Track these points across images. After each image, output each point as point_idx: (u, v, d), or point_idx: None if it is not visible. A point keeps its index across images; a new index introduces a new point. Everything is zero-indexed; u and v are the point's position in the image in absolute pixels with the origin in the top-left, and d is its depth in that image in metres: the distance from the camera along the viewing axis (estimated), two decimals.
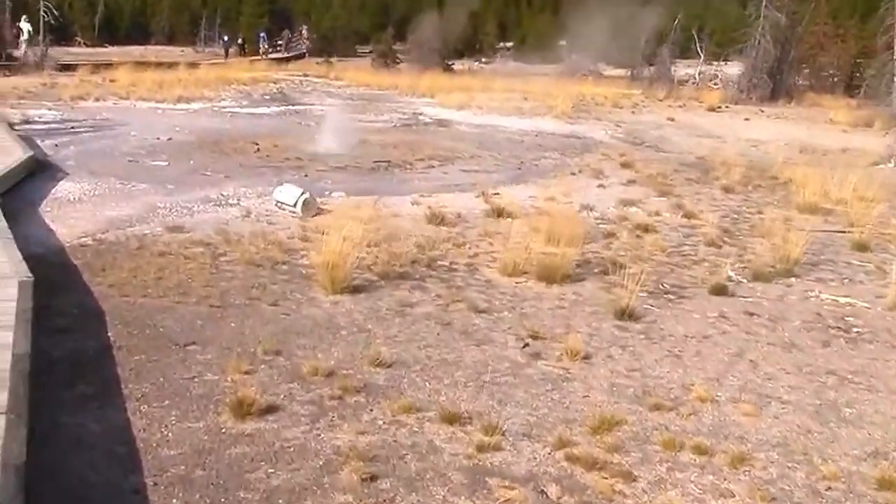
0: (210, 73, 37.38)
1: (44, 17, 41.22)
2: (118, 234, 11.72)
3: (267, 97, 31.22)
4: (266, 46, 60.64)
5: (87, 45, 64.01)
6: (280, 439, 6.13)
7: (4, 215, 11.28)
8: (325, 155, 18.34)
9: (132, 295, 9.22)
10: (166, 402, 6.60)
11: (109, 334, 7.93)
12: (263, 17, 76.10)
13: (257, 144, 19.38)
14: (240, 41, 60.55)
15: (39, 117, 22.35)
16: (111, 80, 31.95)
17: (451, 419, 6.53)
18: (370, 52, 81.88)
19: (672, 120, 29.00)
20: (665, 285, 10.60)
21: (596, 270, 10.88)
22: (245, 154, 18.21)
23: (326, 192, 14.68)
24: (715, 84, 43.84)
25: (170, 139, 19.86)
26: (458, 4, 70.74)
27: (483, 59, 73.62)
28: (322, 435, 6.23)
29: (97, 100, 26.63)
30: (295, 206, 12.95)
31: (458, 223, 12.87)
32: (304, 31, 74.81)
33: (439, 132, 23.14)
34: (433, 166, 17.80)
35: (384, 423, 6.50)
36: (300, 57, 64.18)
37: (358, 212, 13.05)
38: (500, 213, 13.33)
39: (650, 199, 14.85)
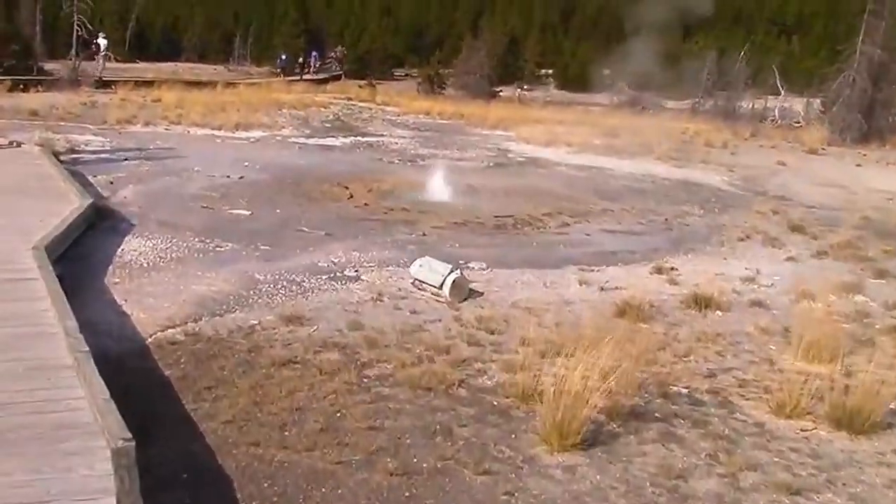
0: (255, 95, 34.45)
1: (77, 30, 38.31)
2: (217, 325, 8.62)
3: (327, 125, 28.13)
4: (307, 66, 57.60)
5: (119, 61, 61.31)
6: None
7: (62, 290, 8.09)
8: (433, 204, 15.26)
9: (264, 445, 6.16)
10: None
11: None
12: (299, 36, 73.41)
13: (347, 188, 16.30)
14: (300, 60, 57.50)
15: (86, 145, 19.28)
16: (155, 101, 28.77)
17: None
18: (406, 75, 79.24)
19: (783, 164, 25.81)
20: None
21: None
22: (338, 201, 15.08)
23: (462, 263, 11.36)
24: (797, 122, 40.36)
25: (242, 178, 16.74)
26: (497, 30, 67.82)
27: (525, 87, 70.45)
28: None
29: (146, 124, 23.57)
30: (441, 287, 9.68)
31: (656, 316, 9.50)
32: (338, 52, 71.98)
33: (543, 175, 20.02)
34: (567, 223, 14.66)
35: None
36: (337, 78, 61.35)
37: (514, 294, 10.18)
38: (701, 301, 9.91)
39: (867, 282, 11.57)
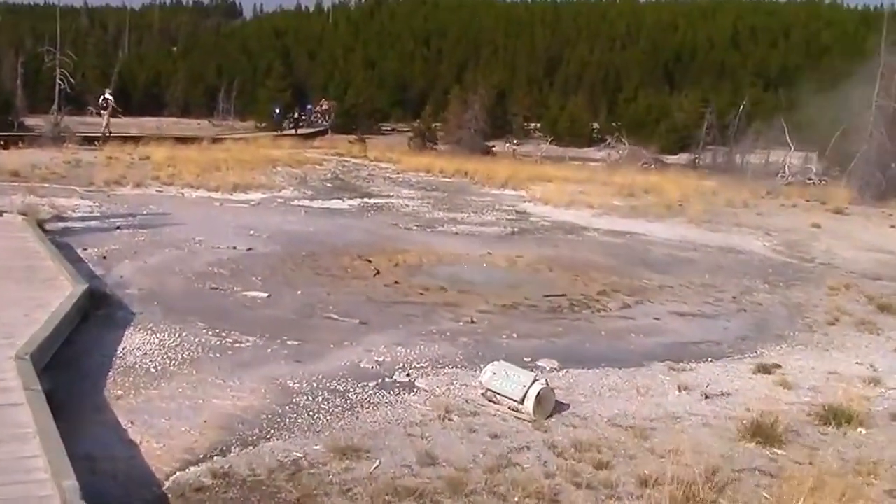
0: (245, 152, 32.73)
1: (60, 85, 36.42)
2: (253, 461, 6.78)
3: (328, 184, 26.28)
4: (301, 119, 56.01)
5: (100, 115, 59.64)
6: None
7: (53, 410, 6.40)
8: (470, 282, 13.42)
9: None
10: None
11: None
12: (285, 90, 71.92)
13: (370, 261, 14.43)
14: (295, 115, 55.82)
15: (73, 211, 17.32)
16: (143, 158, 26.78)
17: None
18: (392, 129, 77.73)
19: (817, 226, 24.03)
20: None
21: None
22: (363, 279, 13.23)
23: (528, 361, 9.46)
24: (809, 179, 38.86)
25: (250, 250, 14.88)
26: (486, 84, 66.49)
27: (514, 141, 68.99)
28: None
29: (137, 185, 21.66)
30: (523, 401, 7.64)
31: (788, 436, 7.52)
32: (323, 106, 70.43)
33: (575, 243, 18.19)
34: (628, 304, 12.83)
35: None
36: (323, 133, 59.72)
37: (606, 405, 8.59)
38: (835, 415, 7.98)
39: None
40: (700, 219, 23.22)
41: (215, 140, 38.74)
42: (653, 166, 48.77)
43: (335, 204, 22.43)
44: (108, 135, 32.87)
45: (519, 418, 8.02)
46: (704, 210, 24.30)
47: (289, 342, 9.97)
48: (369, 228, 18.41)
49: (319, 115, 66.53)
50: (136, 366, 8.78)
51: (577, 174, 35.06)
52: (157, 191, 21.70)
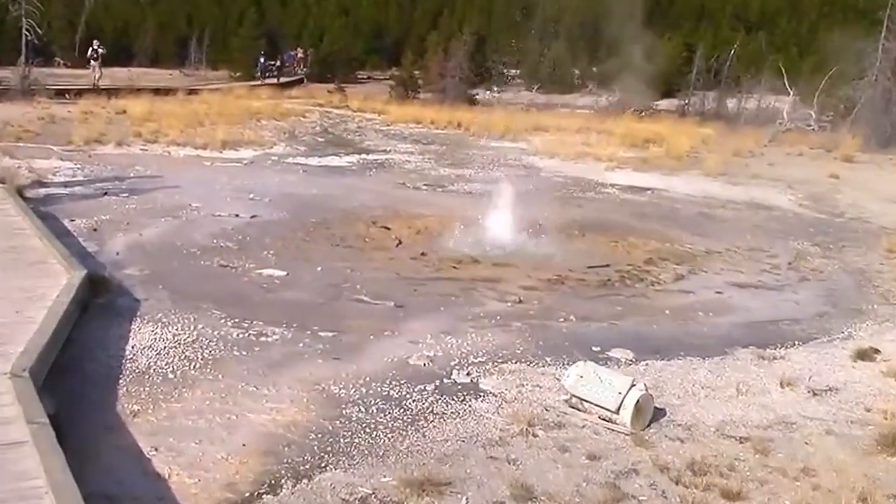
0: (224, 104, 30.87)
1: (26, 36, 34.32)
2: (311, 500, 5.27)
3: (319, 139, 24.75)
4: (284, 68, 53.98)
5: (68, 67, 57.38)
6: None
7: (57, 435, 5.37)
8: (503, 251, 11.91)
9: None
10: None
11: None
12: (259, 38, 69.30)
13: (388, 228, 12.96)
14: (277, 63, 53.67)
15: (54, 174, 15.76)
16: (119, 113, 24.93)
17: None
18: (369, 77, 75.53)
19: (835, 177, 22.75)
20: None
21: None
22: (385, 249, 11.90)
23: (596, 350, 8.24)
24: (808, 125, 37.60)
25: (254, 217, 13.48)
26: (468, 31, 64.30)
27: (495, 89, 66.99)
28: None
29: (119, 144, 20.05)
30: (618, 411, 6.32)
31: None
32: (298, 54, 68.10)
33: (599, 202, 17.04)
34: (680, 275, 11.60)
35: None
36: (300, 82, 57.62)
37: (705, 409, 7.48)
38: None
39: None
40: (716, 171, 22.02)
41: (191, 91, 36.87)
42: (643, 114, 47.26)
43: (333, 161, 20.94)
44: (99, 87, 30.95)
45: (613, 430, 6.66)
46: (718, 162, 22.92)
47: (321, 333, 8.61)
48: (376, 189, 16.97)
49: (295, 64, 64.46)
50: (151, 370, 7.39)
51: (570, 123, 33.57)
52: (141, 149, 20.12)
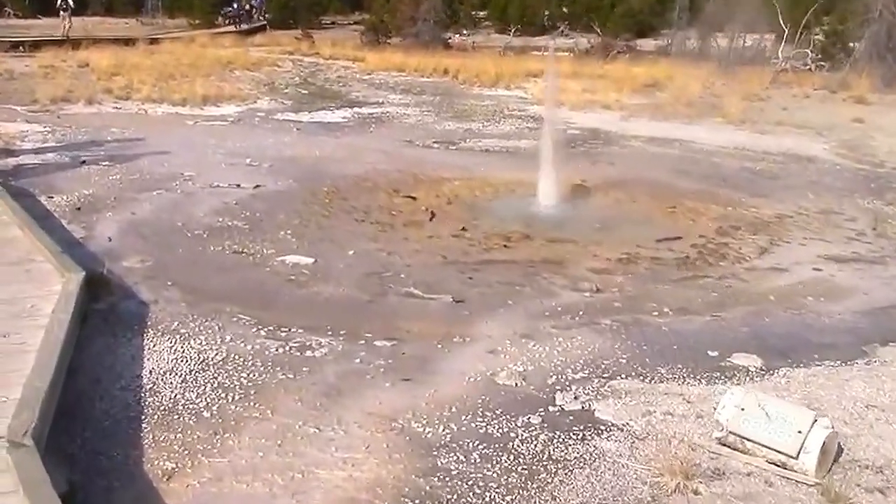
0: (189, 54, 28.89)
1: None
2: None
3: (303, 91, 22.84)
4: (253, 13, 51.50)
5: (20, 17, 54.56)
6: None
7: None
8: (551, 222, 10.63)
9: None
10: None
11: None
12: None
13: (414, 198, 11.32)
14: (247, 7, 51.14)
15: (22, 140, 13.91)
16: (82, 66, 22.79)
17: None
18: (333, 23, 72.80)
19: (860, 122, 21.35)
20: None
21: None
22: (418, 225, 10.34)
23: (714, 355, 6.61)
24: (804, 64, 36.09)
25: (258, 187, 11.70)
26: None
27: (465, 32, 64.53)
28: None
29: (89, 102, 18.03)
30: (798, 455, 4.72)
31: None
32: (253, 2, 65.17)
33: (630, 157, 15.54)
34: (764, 248, 10.45)
35: None
36: (262, 29, 55.05)
37: (886, 442, 5.90)
38: None
39: None
40: (737, 119, 20.55)
41: (152, 41, 34.70)
42: (627, 55, 45.48)
43: (326, 116, 19.11)
44: (67, 38, 28.74)
45: (788, 478, 5.05)
46: (736, 109, 21.32)
47: (377, 343, 6.93)
48: (383, 149, 15.22)
49: (255, 10, 61.72)
50: (179, 406, 5.72)
51: (559, 68, 31.66)
52: (114, 108, 18.15)
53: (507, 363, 6.77)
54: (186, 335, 6.95)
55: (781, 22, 37.64)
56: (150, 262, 8.63)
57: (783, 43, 37.45)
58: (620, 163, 14.84)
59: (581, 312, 7.88)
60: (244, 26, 49.39)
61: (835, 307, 8.38)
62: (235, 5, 48.99)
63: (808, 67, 36.22)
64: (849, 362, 7.03)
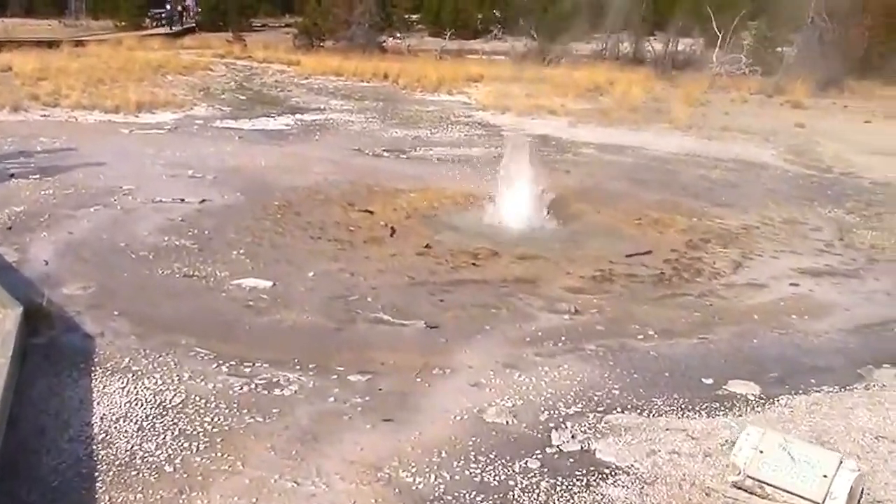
0: (117, 57, 28.06)
1: None
2: None
3: (240, 97, 22.12)
4: (185, 14, 50.32)
5: None
6: None
7: None
8: (520, 239, 9.95)
9: None
10: None
11: None
12: None
13: (371, 212, 10.79)
14: (179, 8, 49.86)
15: None
16: (5, 71, 21.72)
17: None
18: (264, 25, 71.69)
19: (802, 126, 21.43)
20: None
21: None
22: (379, 242, 9.81)
23: (707, 381, 6.24)
24: (738, 69, 36.33)
25: (204, 202, 10.93)
26: None
27: (398, 35, 63.96)
28: None
29: (14, 109, 17.10)
30: (823, 502, 4.39)
31: None
32: (187, 2, 63.87)
33: (586, 166, 15.29)
34: (738, 262, 10.27)
35: None
36: (191, 31, 53.91)
37: None
38: None
39: None
40: (683, 124, 20.42)
41: (77, 43, 33.50)
42: (563, 59, 45.39)
43: (268, 124, 18.42)
44: None
45: None
46: (681, 114, 21.23)
47: (350, 378, 6.39)
48: (331, 158, 14.64)
49: (184, 12, 60.46)
50: (137, 460, 5.16)
51: (499, 72, 31.45)
52: (42, 115, 17.20)
53: (494, 398, 6.25)
54: (139, 373, 6.30)
55: (715, 27, 37.77)
56: (92, 289, 7.91)
57: (717, 48, 37.56)
58: (577, 172, 14.44)
59: (563, 337, 7.41)
60: (176, 28, 48.24)
61: (820, 325, 8.06)
62: (169, 6, 47.74)
63: (742, 72, 36.34)
64: (847, 387, 6.69)
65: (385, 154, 15.42)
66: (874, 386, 6.70)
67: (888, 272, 9.84)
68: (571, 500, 5.08)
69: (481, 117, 20.54)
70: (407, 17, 66.77)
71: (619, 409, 6.16)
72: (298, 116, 19.53)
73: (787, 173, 15.67)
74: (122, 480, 5.00)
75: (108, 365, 6.43)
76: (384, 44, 51.41)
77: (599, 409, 6.17)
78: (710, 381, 6.68)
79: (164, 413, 5.77)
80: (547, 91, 25.48)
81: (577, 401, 6.27)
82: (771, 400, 6.40)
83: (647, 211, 11.93)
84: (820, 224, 11.86)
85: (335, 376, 6.48)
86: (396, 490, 5.08)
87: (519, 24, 54.00)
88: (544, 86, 26.82)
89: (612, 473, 5.35)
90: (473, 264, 9.25)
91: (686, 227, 11.25)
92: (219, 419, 5.74)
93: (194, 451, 5.34)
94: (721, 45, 37.56)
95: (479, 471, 5.30)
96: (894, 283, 9.46)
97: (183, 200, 11.20)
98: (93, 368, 6.34)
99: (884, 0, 35.91)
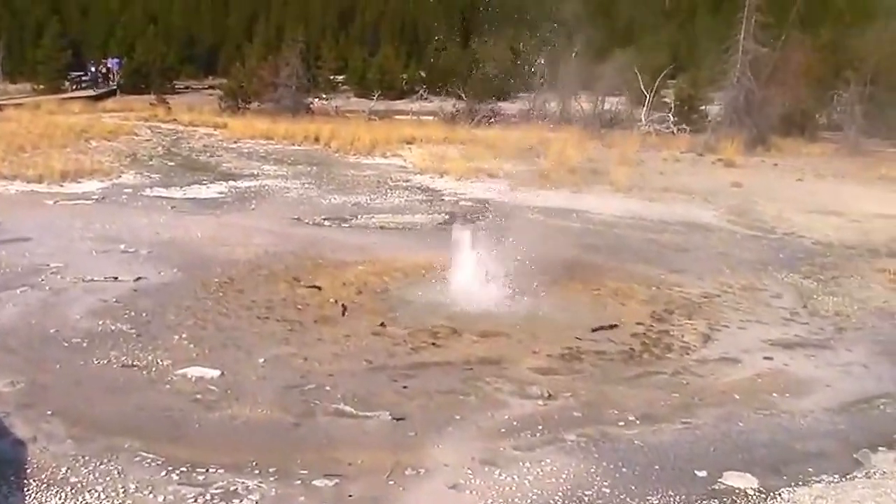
0: (37, 121, 27.29)
1: None
2: None
3: (169, 163, 21.46)
4: (109, 77, 49.56)
5: None
6: None
7: None
8: (479, 315, 9.61)
9: None
10: None
11: None
12: (66, 49, 63.31)
13: (319, 288, 10.30)
14: (103, 70, 49.00)
15: None
16: None
17: None
18: (187, 87, 70.98)
19: (738, 186, 21.57)
20: None
21: None
22: (331, 321, 9.38)
23: (701, 476, 5.71)
24: (666, 127, 36.80)
25: (139, 279, 10.21)
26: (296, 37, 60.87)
27: (324, 96, 63.57)
28: None
29: None
30: None
31: None
32: (109, 64, 62.93)
33: (533, 233, 14.22)
34: (706, 335, 9.92)
35: None
36: (112, 94, 53.09)
37: None
38: None
39: None
40: (624, 186, 20.32)
41: None
42: (493, 119, 45.61)
43: (200, 192, 17.73)
44: None
45: None
46: (620, 175, 21.15)
47: (315, 482, 5.81)
48: (271, 229, 14.01)
49: (104, 76, 59.52)
50: None
51: (431, 133, 31.27)
52: None
53: (477, 502, 5.65)
54: (79, 486, 5.62)
55: (642, 87, 38.22)
56: (21, 385, 7.19)
57: (644, 107, 38.00)
58: (524, 238, 13.92)
59: (540, 426, 6.91)
60: (99, 90, 47.45)
61: (804, 404, 7.70)
62: (94, 69, 46.91)
63: (669, 130, 36.73)
64: (848, 476, 6.31)
65: (326, 223, 14.87)
66: (875, 474, 6.31)
67: (858, 341, 9.56)
68: None
69: (420, 181, 20.13)
70: (332, 77, 66.71)
71: None
72: (232, 183, 18.88)
73: (735, 235, 15.52)
74: None
75: (44, 476, 5.74)
76: (311, 105, 51.06)
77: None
78: (703, 473, 6.22)
79: None
80: (482, 153, 25.28)
81: (567, 503, 5.69)
82: (772, 493, 5.98)
83: (604, 280, 11.57)
84: (779, 290, 11.60)
85: (298, 481, 5.86)
86: None
87: (444, 85, 54.19)
88: (478, 147, 26.63)
89: None
90: (434, 344, 8.71)
91: (647, 297, 10.88)
92: None
93: None
94: (646, 104, 37.96)
95: None
96: (867, 354, 9.11)
97: (116, 279, 10.50)
98: (24, 483, 5.62)
99: (803, 58, 36.70)
